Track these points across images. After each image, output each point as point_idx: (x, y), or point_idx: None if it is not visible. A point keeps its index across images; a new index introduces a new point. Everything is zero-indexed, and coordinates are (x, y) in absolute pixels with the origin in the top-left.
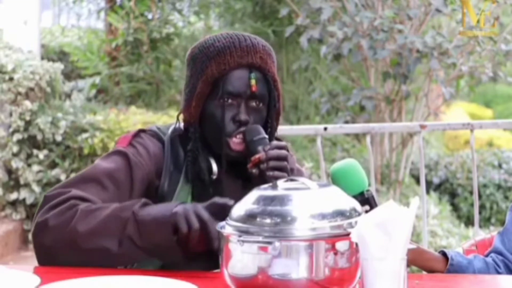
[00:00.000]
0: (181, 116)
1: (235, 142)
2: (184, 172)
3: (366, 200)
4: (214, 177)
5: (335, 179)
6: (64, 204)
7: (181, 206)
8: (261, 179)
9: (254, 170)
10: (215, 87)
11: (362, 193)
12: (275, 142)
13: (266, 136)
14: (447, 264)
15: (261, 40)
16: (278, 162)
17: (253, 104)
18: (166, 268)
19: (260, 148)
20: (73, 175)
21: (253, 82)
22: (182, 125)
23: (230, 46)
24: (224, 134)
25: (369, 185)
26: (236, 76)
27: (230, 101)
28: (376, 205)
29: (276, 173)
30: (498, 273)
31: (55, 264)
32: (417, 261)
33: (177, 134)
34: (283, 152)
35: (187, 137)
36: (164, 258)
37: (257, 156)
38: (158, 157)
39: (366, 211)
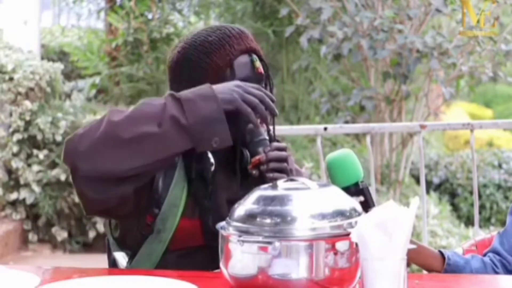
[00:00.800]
0: None
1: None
2: (184, 168)
3: (361, 191)
4: (212, 170)
5: (330, 169)
6: (90, 124)
7: (220, 87)
8: (261, 180)
9: (254, 172)
10: (222, 79)
11: (357, 184)
12: (275, 144)
13: (267, 138)
14: (444, 264)
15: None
16: (278, 163)
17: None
18: (166, 268)
19: (260, 149)
20: None
21: (257, 64)
22: None
23: (224, 37)
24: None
25: (369, 185)
26: (241, 63)
27: None
28: (370, 196)
29: (276, 174)
30: (496, 272)
31: (97, 170)
32: (416, 259)
33: None
34: (283, 153)
35: None
36: (211, 136)
37: (257, 157)
38: None
39: (361, 202)
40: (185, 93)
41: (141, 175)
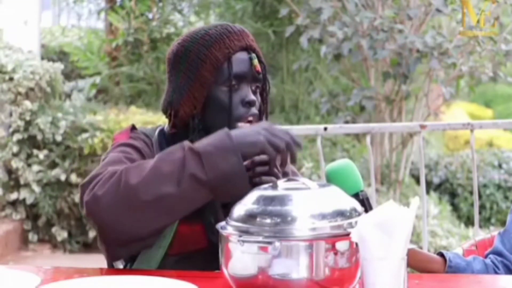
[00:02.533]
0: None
1: (245, 125)
2: None
3: (361, 202)
4: None
5: (330, 179)
6: (105, 176)
7: (238, 132)
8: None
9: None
10: (219, 72)
11: (357, 194)
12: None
13: None
14: (445, 266)
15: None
16: (262, 167)
17: (254, 86)
18: (166, 268)
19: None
20: (73, 175)
21: (255, 62)
22: (166, 127)
23: (225, 32)
24: (234, 118)
25: (369, 185)
26: (239, 59)
27: (236, 84)
28: (370, 207)
29: (263, 178)
30: (497, 274)
31: (122, 232)
32: (417, 266)
33: (163, 135)
34: (264, 156)
35: (173, 138)
36: (231, 189)
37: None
38: (148, 155)
39: None
40: (204, 146)
41: (171, 223)
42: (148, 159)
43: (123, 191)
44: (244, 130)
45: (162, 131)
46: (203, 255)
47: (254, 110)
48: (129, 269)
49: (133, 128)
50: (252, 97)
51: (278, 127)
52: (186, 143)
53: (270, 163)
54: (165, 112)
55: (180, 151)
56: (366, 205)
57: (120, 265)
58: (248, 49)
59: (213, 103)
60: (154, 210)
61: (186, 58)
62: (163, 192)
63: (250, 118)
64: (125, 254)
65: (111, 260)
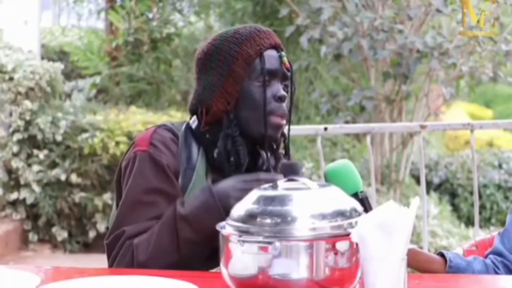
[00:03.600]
0: (190, 116)
1: (277, 119)
2: (211, 164)
3: (360, 202)
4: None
5: (329, 180)
6: (122, 249)
7: (221, 189)
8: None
9: None
10: (252, 68)
11: (356, 194)
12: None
13: None
14: (445, 266)
15: None
16: None
17: (283, 84)
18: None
19: None
20: (73, 175)
21: (285, 59)
22: (191, 122)
23: (254, 31)
24: (267, 112)
25: (369, 185)
26: (270, 55)
27: (268, 80)
28: (370, 207)
29: None
30: (497, 274)
31: None
32: (417, 266)
33: (190, 130)
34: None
35: (201, 133)
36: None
37: None
38: (175, 150)
39: None
40: (191, 209)
41: None
42: (156, 222)
43: (137, 267)
44: (226, 188)
45: (188, 126)
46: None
47: (284, 106)
48: (129, 269)
49: (157, 127)
50: (283, 92)
51: (253, 178)
52: (177, 206)
53: None
54: (194, 111)
55: (172, 219)
56: (366, 205)
57: None
58: (277, 47)
59: (246, 98)
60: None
61: (217, 56)
62: (168, 262)
63: (281, 112)
64: None
65: None
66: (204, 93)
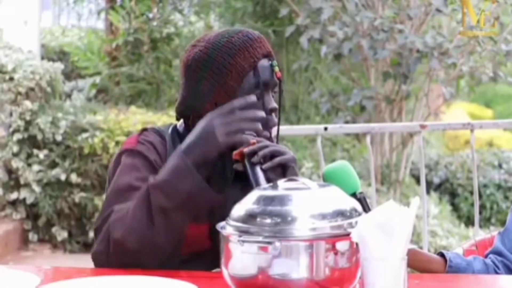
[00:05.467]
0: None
1: (267, 133)
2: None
3: (359, 202)
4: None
5: (327, 181)
6: (101, 229)
7: (191, 144)
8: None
9: (235, 165)
10: (245, 81)
11: (354, 195)
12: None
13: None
14: (445, 266)
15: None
16: (265, 150)
17: (274, 91)
18: (166, 268)
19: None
20: (73, 175)
21: (276, 69)
22: (179, 125)
23: (246, 39)
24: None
25: (369, 185)
26: (263, 66)
27: (261, 92)
28: (368, 207)
29: (274, 161)
30: (497, 274)
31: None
32: (417, 266)
33: (177, 134)
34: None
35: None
36: (201, 204)
37: (238, 150)
38: (163, 153)
39: None
40: (162, 175)
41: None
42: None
43: (113, 247)
44: (196, 141)
45: (175, 129)
46: (210, 256)
47: (275, 117)
48: (129, 269)
49: (144, 130)
50: (275, 104)
51: (225, 109)
52: (150, 178)
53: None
54: (181, 114)
55: (146, 191)
56: (364, 206)
57: None
58: (269, 55)
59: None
60: (146, 253)
61: (210, 66)
62: (145, 234)
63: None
64: None
65: None
66: (194, 100)
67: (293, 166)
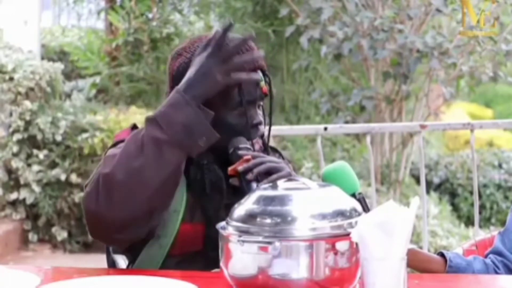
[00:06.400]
0: None
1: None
2: (188, 184)
3: (358, 202)
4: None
5: (326, 182)
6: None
7: (189, 81)
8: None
9: (231, 180)
10: (229, 97)
11: (353, 196)
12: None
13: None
14: (445, 266)
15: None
16: (261, 166)
17: (259, 104)
18: (166, 268)
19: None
20: (73, 175)
21: (262, 84)
22: None
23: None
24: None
25: (369, 185)
26: (248, 84)
27: (246, 107)
28: (367, 208)
29: (270, 178)
30: (497, 274)
31: (115, 219)
32: (417, 266)
33: None
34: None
35: None
36: (197, 139)
37: (233, 166)
38: None
39: None
40: (158, 109)
41: (160, 201)
42: None
43: (102, 181)
44: (194, 78)
45: None
46: (204, 256)
47: (262, 129)
48: (129, 269)
49: (134, 127)
50: (260, 118)
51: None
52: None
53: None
54: None
55: (139, 130)
56: (363, 207)
57: (123, 265)
58: (256, 69)
59: (221, 125)
60: (133, 186)
61: None
62: (134, 166)
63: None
64: (124, 239)
65: (112, 245)
66: None
67: None
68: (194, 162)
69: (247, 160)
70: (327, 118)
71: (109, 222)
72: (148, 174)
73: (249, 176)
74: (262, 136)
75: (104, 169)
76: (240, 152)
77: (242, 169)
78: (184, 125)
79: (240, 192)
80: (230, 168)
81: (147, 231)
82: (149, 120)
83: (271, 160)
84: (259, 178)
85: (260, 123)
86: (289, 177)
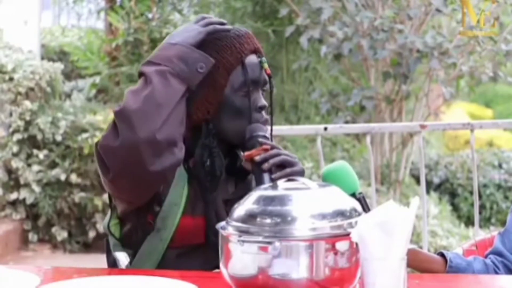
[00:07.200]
0: None
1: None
2: (188, 169)
3: (358, 202)
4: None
5: (326, 182)
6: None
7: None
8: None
9: (244, 162)
10: (233, 77)
11: (353, 195)
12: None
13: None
14: (445, 266)
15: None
16: (276, 158)
17: (263, 89)
18: (167, 267)
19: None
20: (73, 175)
21: (265, 65)
22: None
23: (234, 36)
24: (250, 123)
25: (369, 185)
26: (251, 62)
27: (251, 89)
28: (367, 208)
29: (283, 172)
30: (497, 274)
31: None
32: (417, 266)
33: None
34: (277, 151)
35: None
36: (193, 63)
37: (251, 151)
38: None
39: None
40: (150, 55)
41: (175, 131)
42: None
43: (118, 116)
44: (177, 32)
45: None
46: (204, 250)
47: (265, 114)
48: (129, 269)
49: None
50: (264, 102)
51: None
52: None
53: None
54: None
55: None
56: (363, 206)
57: (125, 261)
58: (257, 51)
59: (228, 108)
60: (148, 110)
61: None
62: (145, 94)
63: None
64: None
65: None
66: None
67: None
68: (198, 146)
69: (265, 150)
70: (327, 118)
71: (133, 147)
72: (159, 98)
73: (265, 166)
74: (265, 123)
75: (116, 108)
76: (260, 139)
77: (259, 159)
78: (178, 57)
79: (242, 186)
80: (247, 153)
81: (168, 180)
82: (144, 64)
83: (287, 153)
84: (272, 169)
85: (264, 107)
86: (302, 173)
